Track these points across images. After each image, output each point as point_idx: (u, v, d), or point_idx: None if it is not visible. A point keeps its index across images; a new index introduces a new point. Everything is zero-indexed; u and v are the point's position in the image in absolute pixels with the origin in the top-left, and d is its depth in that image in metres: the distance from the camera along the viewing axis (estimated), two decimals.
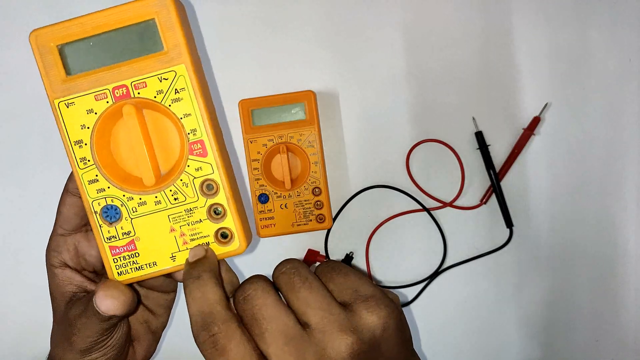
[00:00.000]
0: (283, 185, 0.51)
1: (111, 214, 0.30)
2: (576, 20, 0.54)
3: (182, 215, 0.30)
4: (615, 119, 0.54)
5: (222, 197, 0.30)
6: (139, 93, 0.29)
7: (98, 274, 0.36)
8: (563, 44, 0.54)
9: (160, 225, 0.30)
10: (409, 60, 0.54)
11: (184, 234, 0.30)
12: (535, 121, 0.53)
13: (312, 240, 0.54)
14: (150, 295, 0.38)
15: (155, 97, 0.29)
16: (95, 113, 0.29)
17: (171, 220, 0.30)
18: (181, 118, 0.29)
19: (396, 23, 0.54)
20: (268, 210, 0.51)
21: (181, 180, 0.30)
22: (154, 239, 0.30)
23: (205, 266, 0.30)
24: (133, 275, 0.31)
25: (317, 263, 0.53)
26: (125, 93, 0.29)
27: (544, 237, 0.54)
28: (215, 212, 0.30)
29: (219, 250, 0.31)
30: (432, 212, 0.54)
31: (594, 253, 0.54)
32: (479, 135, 0.53)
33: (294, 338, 0.27)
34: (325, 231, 0.54)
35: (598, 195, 0.54)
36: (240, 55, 0.54)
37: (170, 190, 0.30)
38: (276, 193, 0.51)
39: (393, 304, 0.29)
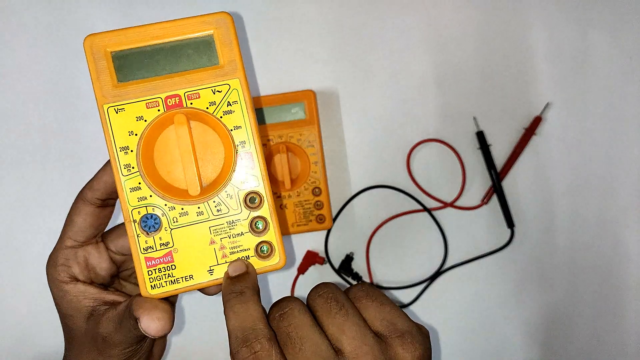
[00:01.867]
0: (283, 186, 0.51)
1: (150, 223, 0.29)
2: (577, 19, 0.54)
3: (224, 227, 0.29)
4: (616, 119, 0.54)
5: (266, 211, 0.30)
6: (191, 103, 0.29)
7: (107, 287, 0.35)
8: (564, 44, 0.54)
9: (201, 237, 0.29)
10: (410, 60, 0.54)
11: (223, 247, 0.30)
12: (537, 121, 0.53)
13: (312, 241, 0.54)
14: None
15: (207, 108, 0.29)
16: (145, 120, 0.29)
17: (212, 232, 0.29)
18: (231, 130, 0.29)
19: (396, 23, 0.54)
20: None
21: (226, 192, 0.29)
22: (193, 251, 0.29)
23: (248, 282, 0.29)
24: (167, 289, 0.30)
25: (316, 264, 0.53)
26: (177, 102, 0.29)
27: (545, 237, 0.54)
28: (257, 226, 0.30)
29: (258, 264, 0.30)
30: (433, 212, 0.54)
31: (595, 253, 0.54)
32: (480, 135, 0.53)
33: None
34: (325, 232, 0.54)
35: (599, 195, 0.54)
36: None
37: (214, 202, 0.29)
38: (276, 193, 0.51)
39: (426, 341, 0.29)
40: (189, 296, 0.53)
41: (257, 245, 0.30)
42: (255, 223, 0.30)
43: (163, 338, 0.38)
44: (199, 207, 0.29)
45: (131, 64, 0.29)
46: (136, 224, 0.29)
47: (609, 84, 0.54)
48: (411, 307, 0.54)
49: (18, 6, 0.52)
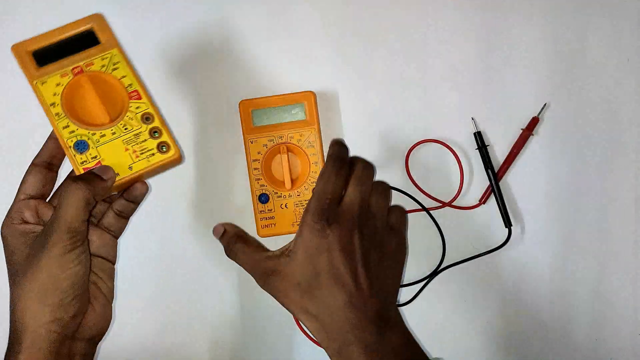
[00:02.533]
0: (283, 185, 0.52)
1: (81, 147, 0.42)
2: (575, 20, 0.54)
3: (132, 139, 0.43)
4: (613, 119, 0.54)
5: (157, 122, 0.44)
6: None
7: None
8: (561, 44, 0.54)
9: (118, 148, 0.43)
10: (409, 61, 0.54)
11: (135, 151, 0.43)
12: (534, 121, 0.53)
13: None
14: (95, 262, 0.45)
15: (101, 68, 0.44)
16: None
17: (125, 143, 0.43)
18: (120, 78, 0.44)
19: (396, 23, 0.54)
20: (268, 210, 0.52)
21: (127, 116, 0.44)
22: (115, 158, 0.43)
23: (232, 237, 0.48)
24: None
25: None
26: (79, 70, 0.43)
27: (542, 236, 0.55)
28: (154, 132, 0.44)
29: (160, 158, 0.44)
30: (431, 211, 0.54)
31: (593, 252, 0.55)
32: (478, 136, 0.53)
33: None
34: None
35: (596, 195, 0.54)
36: (240, 56, 0.54)
37: (122, 124, 0.43)
38: (276, 193, 0.52)
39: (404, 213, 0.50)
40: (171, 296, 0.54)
41: (157, 145, 0.44)
42: (153, 132, 0.44)
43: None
44: (112, 130, 0.43)
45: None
46: (71, 148, 0.42)
47: (606, 85, 0.54)
48: (409, 306, 0.55)
49: (18, 6, 0.52)
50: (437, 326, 0.55)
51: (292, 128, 0.52)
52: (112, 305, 0.46)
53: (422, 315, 0.55)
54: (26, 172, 0.43)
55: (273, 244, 0.49)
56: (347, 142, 0.54)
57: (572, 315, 0.55)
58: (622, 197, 0.54)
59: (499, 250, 0.54)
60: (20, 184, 0.43)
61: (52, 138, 0.44)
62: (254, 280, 0.45)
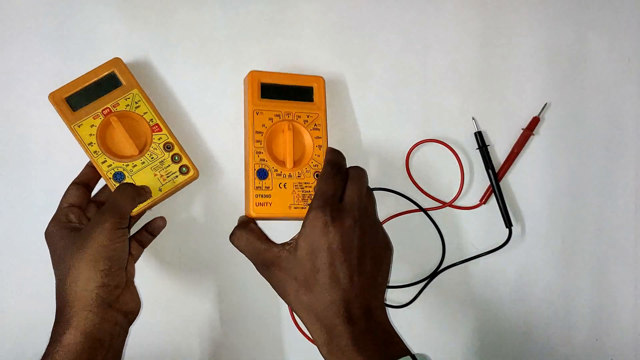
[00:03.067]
0: (284, 164, 0.50)
1: (119, 177, 0.49)
2: (575, 20, 0.54)
3: (158, 165, 0.50)
4: (614, 119, 0.54)
5: (177, 149, 0.50)
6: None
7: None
8: (562, 45, 0.54)
9: (148, 174, 0.50)
10: (409, 61, 0.54)
11: (162, 175, 0.49)
12: (535, 121, 0.53)
13: None
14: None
15: (126, 108, 0.50)
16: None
17: (153, 170, 0.50)
18: (143, 115, 0.50)
19: (396, 24, 0.54)
20: (266, 187, 0.49)
21: (152, 147, 0.50)
22: (147, 183, 0.49)
23: (238, 222, 0.50)
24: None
25: None
26: (109, 111, 0.49)
27: (543, 236, 0.55)
28: (175, 157, 0.50)
29: (183, 178, 0.50)
30: (432, 212, 0.54)
31: (593, 252, 0.55)
32: (479, 136, 0.53)
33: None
34: None
35: (597, 194, 0.54)
36: (245, 54, 0.54)
37: (149, 154, 0.50)
38: (276, 170, 0.50)
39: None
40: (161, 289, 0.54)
41: (179, 169, 0.50)
42: (174, 158, 0.50)
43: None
44: (142, 161, 0.50)
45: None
46: (111, 179, 0.49)
47: (606, 85, 0.54)
48: (409, 306, 0.55)
49: (19, 5, 0.52)
50: (437, 326, 0.55)
51: (300, 108, 0.51)
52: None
53: (422, 315, 0.55)
54: (68, 188, 0.49)
55: (269, 229, 0.48)
56: (347, 142, 0.54)
57: (572, 315, 0.55)
58: (622, 197, 0.54)
59: (500, 250, 0.54)
60: (63, 197, 0.49)
61: (90, 166, 0.51)
62: (250, 281, 0.46)
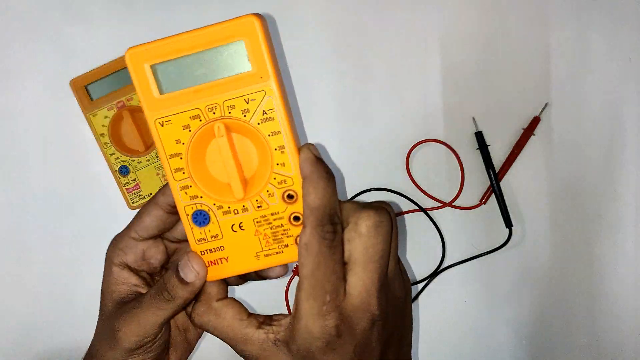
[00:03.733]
0: (231, 192, 0.32)
1: (124, 171, 0.40)
2: (576, 20, 0.54)
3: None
4: (614, 119, 0.54)
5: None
6: (229, 112, 0.31)
7: (154, 278, 0.38)
8: (563, 44, 0.54)
9: (152, 173, 0.40)
10: (409, 60, 0.54)
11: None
12: (535, 121, 0.53)
13: None
14: None
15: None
16: (190, 130, 0.32)
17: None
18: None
19: (396, 23, 0.54)
20: (212, 237, 0.33)
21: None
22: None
23: (329, 168, 0.32)
24: (222, 273, 0.34)
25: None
26: (122, 104, 0.39)
27: (543, 236, 0.55)
28: (295, 219, 0.33)
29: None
30: (431, 212, 0.54)
31: (593, 253, 0.55)
32: (479, 136, 0.53)
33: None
34: None
35: (597, 195, 0.54)
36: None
37: (154, 152, 0.39)
38: (221, 207, 0.33)
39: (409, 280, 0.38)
40: None
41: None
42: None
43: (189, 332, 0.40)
44: (147, 158, 0.40)
45: (169, 76, 0.31)
46: (117, 172, 0.41)
47: (607, 85, 0.54)
48: None
49: (18, 5, 0.52)
50: (437, 327, 0.55)
51: (229, 89, 0.31)
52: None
53: (422, 316, 0.55)
54: (144, 207, 0.37)
55: None
56: (347, 142, 0.54)
57: (572, 315, 0.55)
58: (623, 197, 0.54)
59: (500, 250, 0.54)
60: (135, 218, 0.37)
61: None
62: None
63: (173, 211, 0.35)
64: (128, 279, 0.36)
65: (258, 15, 0.30)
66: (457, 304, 0.55)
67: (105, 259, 0.37)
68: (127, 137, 0.50)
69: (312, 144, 0.32)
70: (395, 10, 0.54)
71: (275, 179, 0.32)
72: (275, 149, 0.31)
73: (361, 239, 0.31)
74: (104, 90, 0.50)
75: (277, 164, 0.32)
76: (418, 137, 0.54)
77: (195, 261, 0.33)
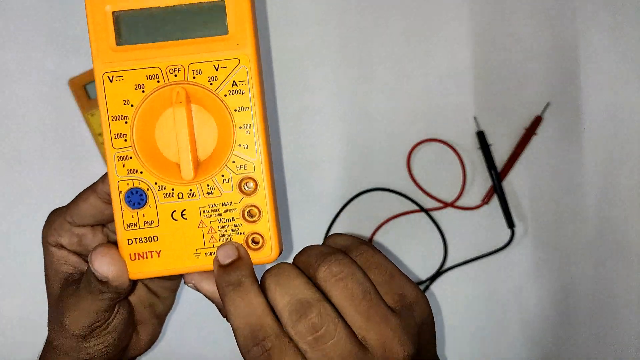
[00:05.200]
0: (178, 172, 0.28)
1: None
2: (577, 19, 0.54)
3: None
4: (617, 119, 0.54)
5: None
6: (194, 77, 0.27)
7: None
8: (564, 43, 0.54)
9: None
10: (410, 60, 0.54)
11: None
12: (537, 121, 0.53)
13: (310, 239, 0.53)
14: (156, 279, 0.35)
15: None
16: (143, 91, 0.27)
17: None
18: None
19: (397, 23, 0.54)
20: (146, 223, 0.28)
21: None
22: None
23: (244, 269, 0.27)
24: (149, 270, 0.29)
25: None
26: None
27: (545, 237, 0.54)
28: (250, 214, 0.28)
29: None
30: (433, 212, 0.54)
31: (596, 253, 0.54)
32: (481, 135, 0.53)
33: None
34: (324, 232, 0.54)
35: (600, 195, 0.54)
36: None
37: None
38: (163, 188, 0.28)
39: (429, 305, 0.29)
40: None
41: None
42: (249, 212, 0.28)
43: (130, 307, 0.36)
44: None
45: (132, 26, 0.27)
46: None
47: (609, 84, 0.54)
48: None
49: (17, 4, 0.52)
50: (438, 329, 0.55)
51: (199, 51, 0.27)
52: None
53: None
54: (82, 193, 0.33)
55: None
56: (347, 142, 0.54)
57: (575, 316, 0.54)
58: (625, 197, 0.54)
59: (502, 251, 0.53)
60: (72, 202, 0.34)
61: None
62: None
63: (109, 201, 0.30)
64: (68, 258, 0.33)
65: None
66: (459, 305, 0.55)
67: (42, 237, 0.34)
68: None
69: (226, 245, 0.28)
70: (396, 10, 0.54)
71: (234, 162, 0.27)
72: (240, 127, 0.27)
73: (334, 289, 0.26)
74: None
75: (239, 145, 0.27)
76: (419, 136, 0.53)
77: (104, 259, 0.28)
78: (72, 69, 0.51)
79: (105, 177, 0.30)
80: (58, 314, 0.32)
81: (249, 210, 0.28)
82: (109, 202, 0.31)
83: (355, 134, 0.54)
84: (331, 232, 0.54)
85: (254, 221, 0.28)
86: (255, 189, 0.28)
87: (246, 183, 0.28)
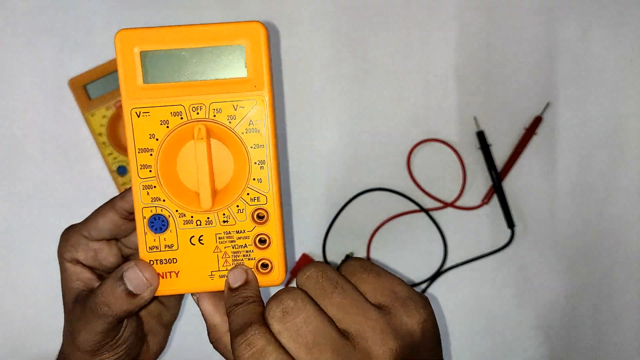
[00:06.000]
0: (197, 201, 0.31)
1: (122, 171, 0.35)
2: (578, 19, 0.54)
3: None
4: (617, 119, 0.54)
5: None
6: (214, 116, 0.30)
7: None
8: (565, 43, 0.54)
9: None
10: (410, 60, 0.54)
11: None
12: (537, 121, 0.53)
13: (309, 244, 0.54)
14: None
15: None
16: (168, 127, 0.30)
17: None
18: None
19: (397, 23, 0.54)
20: (167, 246, 0.31)
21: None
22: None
23: (250, 291, 0.30)
24: (168, 289, 0.32)
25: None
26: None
27: (545, 237, 0.54)
28: (261, 242, 0.31)
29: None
30: (433, 212, 0.54)
31: (596, 253, 0.54)
32: (481, 135, 0.53)
33: (341, 350, 0.26)
34: (324, 232, 0.54)
35: (599, 195, 0.54)
36: None
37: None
38: (183, 216, 0.31)
39: (428, 305, 0.29)
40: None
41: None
42: (260, 239, 0.31)
43: (155, 331, 0.38)
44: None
45: (158, 66, 0.30)
46: (115, 172, 0.37)
47: (610, 84, 0.54)
48: None
49: (19, 6, 0.52)
50: (439, 328, 0.54)
51: (219, 92, 0.30)
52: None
53: None
54: (100, 209, 0.34)
55: None
56: (348, 142, 0.53)
57: (575, 317, 0.54)
58: (625, 197, 0.54)
59: (502, 251, 0.53)
60: (89, 218, 0.35)
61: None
62: None
63: (129, 218, 0.33)
64: (81, 274, 0.34)
65: (262, 24, 0.30)
66: (459, 305, 0.54)
67: (57, 253, 0.35)
68: (125, 137, 0.50)
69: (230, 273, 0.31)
70: (396, 12, 0.54)
71: (248, 194, 0.30)
72: (255, 163, 0.30)
73: (307, 287, 0.28)
74: (102, 89, 0.50)
75: (254, 179, 0.30)
76: (419, 136, 0.53)
77: (147, 270, 0.31)
78: (72, 69, 0.51)
79: (124, 194, 0.33)
80: (71, 328, 0.34)
81: (260, 238, 0.31)
82: (126, 218, 0.33)
83: (355, 134, 0.54)
84: (331, 232, 0.54)
85: (264, 248, 0.31)
86: (267, 219, 0.31)
87: (258, 214, 0.31)
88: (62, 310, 0.51)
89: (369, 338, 0.26)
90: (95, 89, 0.50)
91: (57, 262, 0.35)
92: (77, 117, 0.51)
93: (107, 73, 0.50)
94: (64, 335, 0.35)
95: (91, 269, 0.34)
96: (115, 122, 0.50)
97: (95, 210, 0.34)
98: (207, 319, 0.32)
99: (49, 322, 0.50)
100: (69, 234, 0.35)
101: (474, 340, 0.55)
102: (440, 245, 0.54)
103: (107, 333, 0.32)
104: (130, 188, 0.31)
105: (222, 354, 0.31)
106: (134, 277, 0.31)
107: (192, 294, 0.32)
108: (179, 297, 0.39)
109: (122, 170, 0.50)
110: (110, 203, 0.33)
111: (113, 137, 0.50)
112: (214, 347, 0.32)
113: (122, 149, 0.50)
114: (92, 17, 0.52)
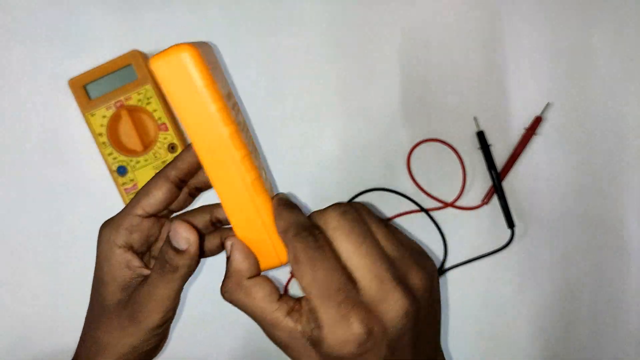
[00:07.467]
0: (136, 151, 0.50)
1: (122, 171, 0.50)
2: (579, 19, 0.54)
3: (160, 165, 0.49)
4: (617, 119, 0.54)
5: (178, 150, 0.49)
6: (128, 102, 0.50)
7: (151, 258, 0.38)
8: (565, 43, 0.54)
9: (149, 174, 0.50)
10: (410, 60, 0.54)
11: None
12: (537, 121, 0.53)
13: None
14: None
15: (137, 102, 0.50)
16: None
17: (154, 169, 0.50)
18: (152, 112, 0.50)
19: (397, 23, 0.54)
20: (130, 180, 0.51)
21: (157, 146, 0.50)
22: (146, 181, 0.38)
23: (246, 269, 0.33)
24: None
25: None
26: (121, 104, 0.50)
27: (545, 237, 0.54)
28: (173, 150, 0.50)
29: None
30: (433, 212, 0.54)
31: (596, 253, 0.54)
32: (481, 135, 0.53)
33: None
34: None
35: (600, 195, 0.54)
36: (246, 51, 0.53)
37: (152, 152, 0.50)
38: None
39: (434, 267, 0.32)
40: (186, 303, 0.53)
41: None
42: (172, 148, 0.50)
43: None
44: (145, 158, 0.50)
45: (92, 88, 0.50)
46: (115, 172, 0.50)
47: (610, 84, 0.54)
48: None
49: (18, 6, 0.52)
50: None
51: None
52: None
53: None
54: (152, 182, 0.37)
55: None
56: (348, 142, 0.53)
57: (575, 317, 0.54)
58: (626, 197, 0.54)
59: (502, 251, 0.53)
60: (141, 194, 0.37)
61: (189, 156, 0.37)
62: None
63: (180, 185, 0.37)
64: (132, 262, 0.35)
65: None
66: (459, 305, 0.55)
67: (103, 242, 0.36)
68: (125, 137, 0.51)
69: (281, 194, 0.34)
70: (396, 9, 0.54)
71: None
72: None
73: (337, 232, 0.30)
74: (102, 89, 0.50)
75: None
76: (419, 136, 0.53)
77: (182, 228, 0.33)
78: (72, 69, 0.51)
79: (175, 162, 0.36)
80: (124, 314, 0.35)
81: (172, 147, 0.51)
82: (178, 186, 0.36)
83: (355, 134, 0.54)
84: None
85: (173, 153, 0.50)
86: (174, 148, 0.51)
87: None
88: (62, 310, 0.51)
89: (381, 287, 0.29)
90: (95, 89, 0.50)
91: (60, 261, 0.35)
92: (77, 117, 0.51)
93: (107, 73, 0.50)
94: (103, 327, 0.35)
95: (140, 255, 0.36)
96: (115, 122, 0.50)
97: (144, 187, 0.36)
98: (233, 264, 0.32)
99: (49, 322, 0.50)
100: (117, 220, 0.36)
101: (474, 339, 0.55)
102: (441, 245, 0.54)
103: (172, 300, 0.34)
104: (180, 155, 0.36)
105: (237, 300, 0.32)
106: (174, 235, 0.33)
107: (227, 239, 0.33)
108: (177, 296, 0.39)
109: (122, 170, 0.50)
110: (162, 175, 0.36)
111: (113, 137, 0.50)
112: (228, 296, 0.32)
113: (122, 148, 0.50)
114: (92, 17, 0.52)
